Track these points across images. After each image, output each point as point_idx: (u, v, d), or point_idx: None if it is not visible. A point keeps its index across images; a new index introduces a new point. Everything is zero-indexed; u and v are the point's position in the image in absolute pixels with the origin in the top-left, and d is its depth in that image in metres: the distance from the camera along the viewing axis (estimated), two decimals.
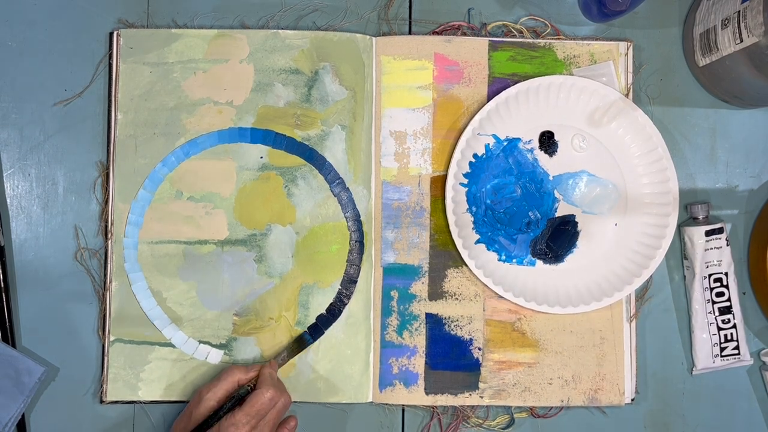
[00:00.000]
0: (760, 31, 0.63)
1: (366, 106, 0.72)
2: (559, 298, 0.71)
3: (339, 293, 0.72)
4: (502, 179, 0.72)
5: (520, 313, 0.72)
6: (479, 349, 0.72)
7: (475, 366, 0.72)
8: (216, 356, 0.71)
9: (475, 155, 0.72)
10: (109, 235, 0.71)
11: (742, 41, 0.65)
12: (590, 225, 0.72)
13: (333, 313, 0.71)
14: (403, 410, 0.73)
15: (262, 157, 0.72)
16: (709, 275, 0.72)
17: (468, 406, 0.72)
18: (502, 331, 0.72)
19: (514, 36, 0.74)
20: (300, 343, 0.70)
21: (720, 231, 0.72)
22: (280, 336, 0.71)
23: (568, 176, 0.72)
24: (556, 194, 0.72)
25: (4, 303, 0.70)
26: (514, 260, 0.72)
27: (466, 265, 0.71)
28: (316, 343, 0.71)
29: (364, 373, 0.71)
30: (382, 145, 0.72)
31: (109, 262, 0.71)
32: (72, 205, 0.72)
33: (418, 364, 0.72)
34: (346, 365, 0.71)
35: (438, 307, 0.72)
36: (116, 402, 0.71)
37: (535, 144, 0.72)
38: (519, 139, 0.72)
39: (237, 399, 0.64)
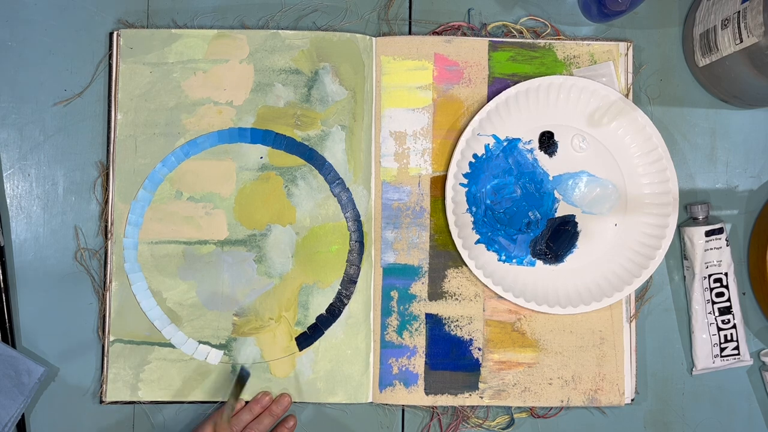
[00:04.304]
0: (760, 31, 0.63)
1: (366, 107, 0.72)
2: (559, 299, 0.71)
3: (339, 293, 0.72)
4: (502, 179, 0.72)
5: (520, 314, 0.72)
6: (479, 349, 0.72)
7: (475, 366, 0.72)
8: (216, 356, 0.71)
9: (475, 155, 0.72)
10: (109, 235, 0.71)
11: (742, 41, 0.65)
12: (590, 225, 0.72)
13: (333, 313, 0.71)
14: (403, 410, 0.73)
15: (262, 158, 0.72)
16: (709, 275, 0.72)
17: (468, 406, 0.72)
18: (502, 331, 0.72)
19: (514, 36, 0.74)
20: (240, 381, 0.68)
21: (720, 231, 0.72)
22: (280, 336, 0.71)
23: (568, 176, 0.72)
24: (556, 194, 0.72)
25: (4, 303, 0.70)
26: (514, 260, 0.72)
27: (466, 266, 0.71)
28: (316, 342, 0.71)
29: (364, 373, 0.71)
30: (382, 145, 0.72)
31: (109, 262, 0.71)
32: (72, 205, 0.72)
33: (418, 364, 0.72)
34: (346, 365, 0.71)
35: (438, 308, 0.72)
36: (116, 402, 0.71)
37: (535, 144, 0.72)
38: (519, 140, 0.72)
39: None
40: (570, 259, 0.72)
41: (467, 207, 0.72)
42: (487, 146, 0.72)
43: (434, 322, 0.72)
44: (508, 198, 0.72)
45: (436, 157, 0.73)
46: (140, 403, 0.71)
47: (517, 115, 0.72)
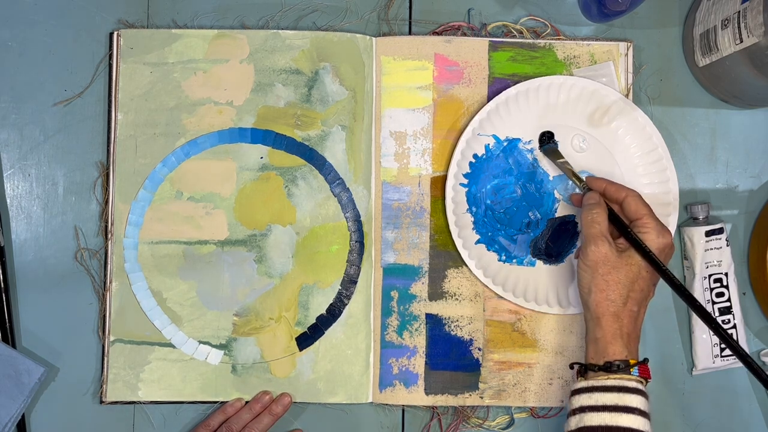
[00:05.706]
0: (760, 31, 0.63)
1: (366, 107, 0.72)
2: (559, 298, 0.71)
3: (339, 293, 0.72)
4: (502, 179, 0.72)
5: (520, 314, 0.72)
6: (479, 349, 0.72)
7: (475, 366, 0.72)
8: (216, 357, 0.71)
9: (475, 155, 0.72)
10: (109, 236, 0.71)
11: (742, 41, 0.65)
12: None
13: (333, 313, 0.71)
14: (403, 410, 0.73)
15: (262, 158, 0.72)
16: (709, 275, 0.72)
17: (468, 406, 0.72)
18: (502, 331, 0.72)
19: (514, 36, 0.74)
20: (550, 149, 0.71)
21: (720, 231, 0.72)
22: (280, 336, 0.71)
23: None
24: (556, 194, 0.72)
25: (4, 303, 0.70)
26: (514, 260, 0.72)
27: (466, 266, 0.71)
28: (317, 342, 0.71)
29: (364, 373, 0.71)
30: (382, 145, 0.72)
31: (109, 262, 0.71)
32: (72, 205, 0.72)
33: (418, 364, 0.72)
34: (346, 365, 0.71)
35: (438, 308, 0.72)
36: (116, 402, 0.71)
37: (535, 144, 0.72)
38: (519, 140, 0.72)
39: None
40: (570, 259, 0.72)
41: (467, 207, 0.72)
42: (487, 146, 0.72)
43: (434, 322, 0.72)
44: (508, 198, 0.72)
45: (436, 157, 0.73)
46: (140, 403, 0.71)
47: (517, 115, 0.72)
